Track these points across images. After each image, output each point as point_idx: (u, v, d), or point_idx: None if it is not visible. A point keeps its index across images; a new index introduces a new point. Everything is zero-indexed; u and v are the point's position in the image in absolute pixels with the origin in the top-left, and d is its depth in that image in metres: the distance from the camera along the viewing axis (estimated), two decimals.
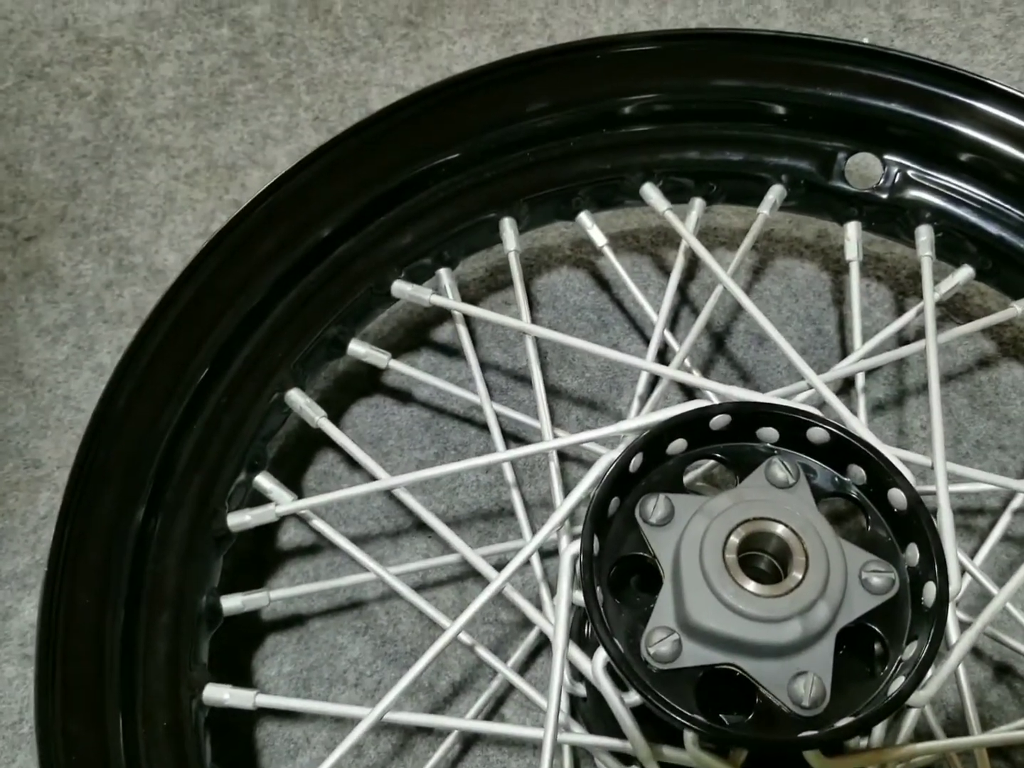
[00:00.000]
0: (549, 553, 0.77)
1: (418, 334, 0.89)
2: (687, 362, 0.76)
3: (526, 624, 0.75)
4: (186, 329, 0.68)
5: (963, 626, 0.67)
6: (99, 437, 0.64)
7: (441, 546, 0.79)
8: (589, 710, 0.69)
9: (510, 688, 0.74)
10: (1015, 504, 0.76)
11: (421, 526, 0.80)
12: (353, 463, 0.82)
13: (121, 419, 0.65)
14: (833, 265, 0.92)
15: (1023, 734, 0.59)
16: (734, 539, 0.56)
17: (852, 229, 0.79)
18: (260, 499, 0.70)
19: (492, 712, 0.74)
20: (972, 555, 0.75)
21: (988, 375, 0.87)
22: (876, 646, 0.58)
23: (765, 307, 0.88)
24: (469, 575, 0.78)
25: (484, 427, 0.81)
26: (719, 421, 0.61)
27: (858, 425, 0.64)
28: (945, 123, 0.76)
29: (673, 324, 0.88)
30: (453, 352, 0.88)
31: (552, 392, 0.86)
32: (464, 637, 0.69)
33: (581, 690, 0.69)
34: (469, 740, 0.73)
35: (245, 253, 0.71)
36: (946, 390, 0.86)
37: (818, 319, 0.89)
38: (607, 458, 0.60)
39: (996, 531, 0.74)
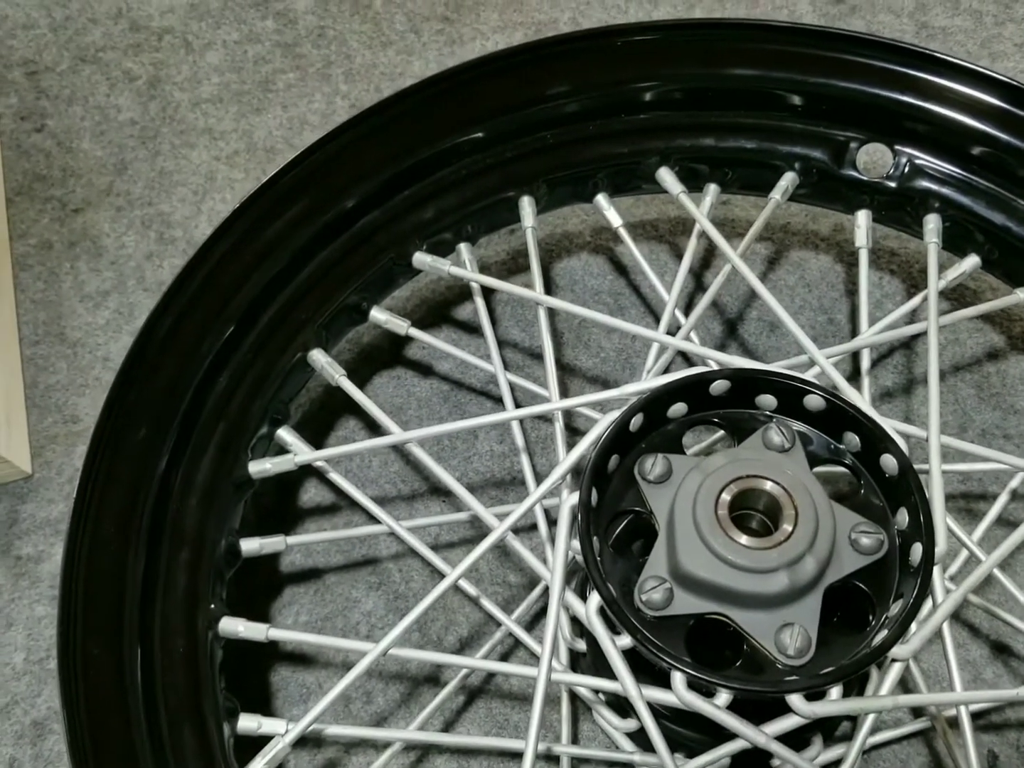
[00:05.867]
0: (554, 523, 0.79)
1: (439, 311, 0.92)
2: (693, 335, 0.78)
3: (532, 586, 0.78)
4: (215, 286, 0.72)
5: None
6: (129, 380, 0.68)
7: (454, 509, 0.82)
8: (589, 666, 0.72)
9: (514, 646, 0.77)
10: (1013, 484, 0.77)
11: (436, 491, 0.83)
12: (373, 428, 0.86)
13: (151, 365, 0.69)
14: (847, 258, 0.94)
15: (1005, 693, 0.61)
16: (726, 495, 0.59)
17: (862, 217, 0.81)
18: (282, 453, 0.73)
19: None
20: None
21: (996, 367, 0.88)
22: (866, 608, 0.61)
23: (779, 296, 0.90)
24: (480, 537, 0.81)
25: (500, 400, 0.83)
26: (719, 387, 0.64)
27: (853, 394, 0.66)
28: (955, 115, 0.78)
29: (687, 310, 0.91)
30: (472, 329, 0.91)
31: (567, 370, 0.89)
32: (470, 589, 0.72)
33: (581, 645, 0.72)
34: (473, 693, 0.76)
35: (273, 218, 0.74)
36: (954, 380, 0.88)
37: (830, 309, 0.91)
38: (609, 417, 0.63)
39: (993, 510, 0.76)
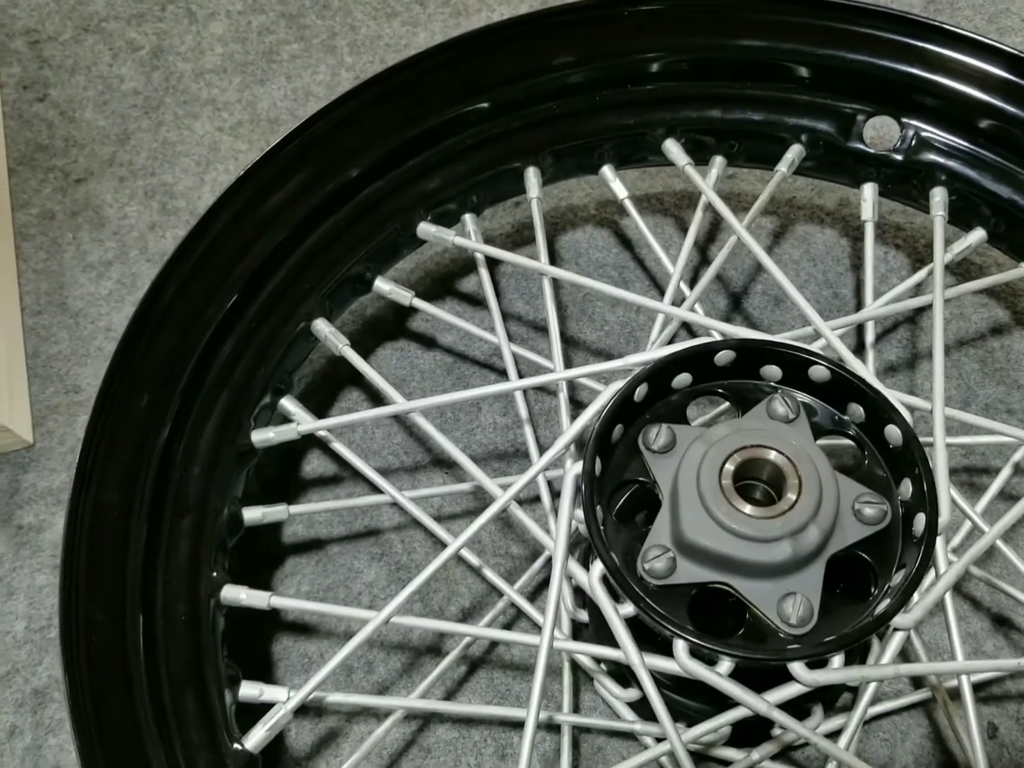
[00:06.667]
0: (558, 494, 0.79)
1: (443, 283, 0.92)
2: (698, 307, 0.78)
3: (535, 557, 0.78)
4: (218, 255, 0.71)
5: None
6: (132, 348, 0.67)
7: (457, 481, 0.82)
8: (591, 636, 0.72)
9: (516, 617, 0.77)
10: (1016, 457, 0.77)
11: (438, 462, 0.83)
12: (376, 399, 0.86)
13: (154, 333, 0.68)
14: (853, 232, 0.94)
15: (1006, 663, 0.61)
16: (730, 465, 0.59)
17: (868, 190, 0.81)
18: (285, 423, 0.73)
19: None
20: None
21: (1001, 342, 0.88)
22: (868, 578, 0.60)
23: (784, 270, 0.89)
24: (482, 509, 0.80)
25: (503, 373, 0.83)
26: (723, 357, 0.64)
27: (858, 365, 0.66)
28: (963, 88, 0.78)
29: (692, 283, 0.91)
30: (476, 302, 0.91)
31: (571, 343, 0.89)
32: (472, 559, 0.72)
33: (583, 616, 0.72)
34: (475, 663, 0.76)
35: (276, 187, 0.74)
36: (958, 355, 0.87)
37: (835, 283, 0.91)
38: (614, 387, 0.63)
39: (996, 483, 0.76)
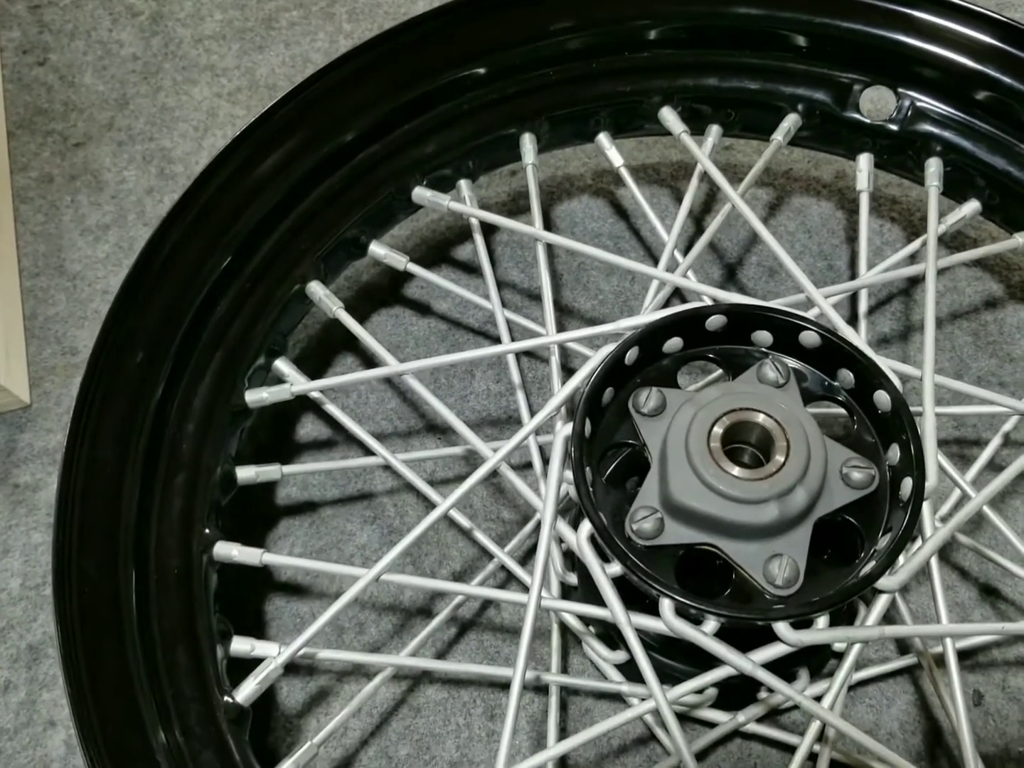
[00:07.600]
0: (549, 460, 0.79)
1: (438, 251, 0.92)
2: (691, 274, 0.78)
3: (525, 522, 0.78)
4: (213, 215, 0.72)
5: None
6: (127, 306, 0.68)
7: (449, 446, 0.83)
8: (580, 599, 0.72)
9: (506, 581, 0.78)
10: (1006, 427, 0.77)
11: (432, 428, 0.84)
12: (370, 364, 0.86)
13: (148, 291, 0.69)
14: (849, 205, 0.94)
15: (991, 626, 0.61)
16: (719, 428, 0.59)
17: (864, 160, 0.81)
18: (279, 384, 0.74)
19: (487, 602, 0.77)
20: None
21: (994, 315, 0.88)
22: (856, 543, 0.61)
23: (779, 241, 0.89)
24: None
25: (497, 339, 0.83)
26: (715, 322, 0.64)
27: (849, 331, 0.66)
28: (959, 58, 0.78)
29: (687, 253, 0.91)
30: (471, 269, 0.91)
31: (566, 311, 0.89)
32: (463, 520, 0.73)
33: (573, 579, 0.72)
34: (465, 625, 0.76)
35: (272, 148, 0.74)
36: (951, 328, 0.88)
37: (830, 255, 0.91)
38: (605, 350, 0.63)
39: (985, 453, 0.76)
